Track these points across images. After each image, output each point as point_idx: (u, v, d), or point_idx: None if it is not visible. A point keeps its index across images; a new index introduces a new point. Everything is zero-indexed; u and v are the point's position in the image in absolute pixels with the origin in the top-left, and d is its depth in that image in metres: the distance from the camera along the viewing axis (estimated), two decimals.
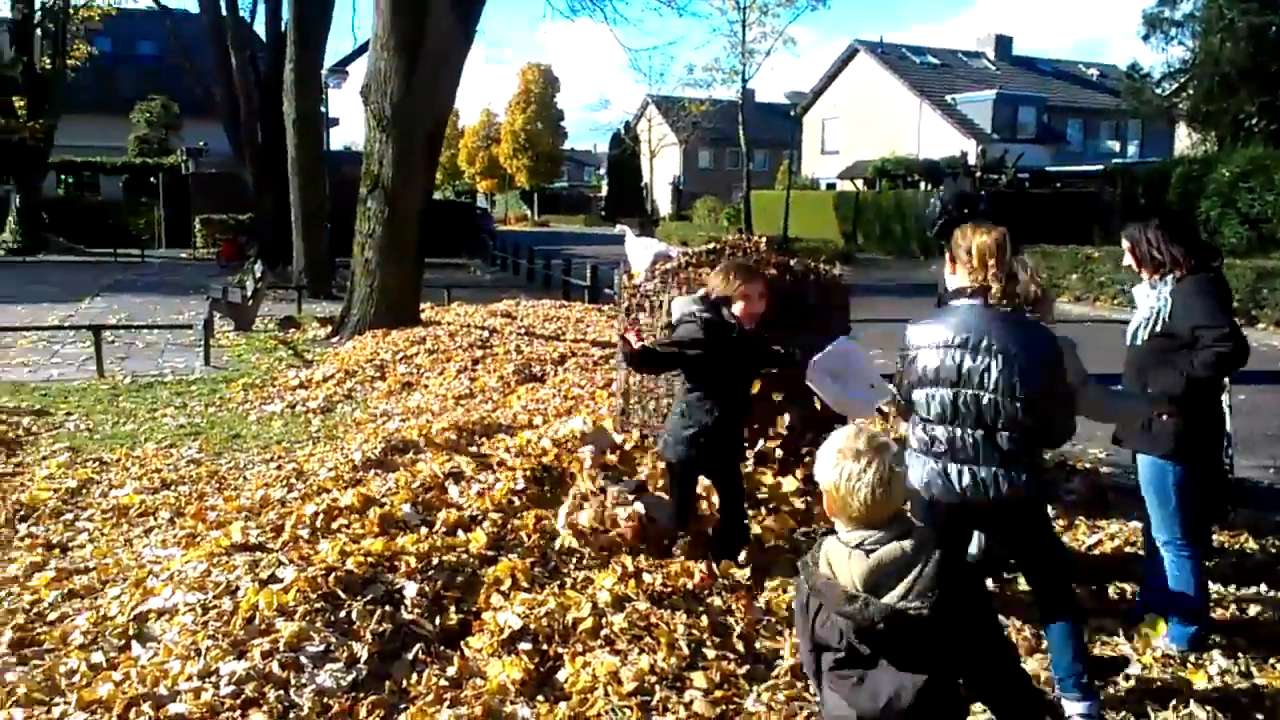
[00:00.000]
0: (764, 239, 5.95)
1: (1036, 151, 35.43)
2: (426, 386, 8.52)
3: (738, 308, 4.05)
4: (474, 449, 6.03)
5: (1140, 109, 24.96)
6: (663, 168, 56.42)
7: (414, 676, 3.33)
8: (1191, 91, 21.48)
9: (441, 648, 3.50)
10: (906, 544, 2.10)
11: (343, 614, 3.52)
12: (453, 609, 3.69)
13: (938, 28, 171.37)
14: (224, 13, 19.80)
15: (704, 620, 3.69)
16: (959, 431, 3.08)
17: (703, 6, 33.01)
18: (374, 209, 10.25)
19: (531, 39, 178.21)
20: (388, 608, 3.58)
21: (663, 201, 56.86)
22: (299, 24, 15.57)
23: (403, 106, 9.96)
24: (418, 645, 3.47)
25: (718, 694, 3.29)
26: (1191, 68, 21.18)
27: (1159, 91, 23.18)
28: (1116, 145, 43.80)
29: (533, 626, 3.57)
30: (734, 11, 31.54)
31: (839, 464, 2.14)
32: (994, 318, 3.11)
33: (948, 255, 3.53)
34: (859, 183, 36.40)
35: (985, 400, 3.03)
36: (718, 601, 3.90)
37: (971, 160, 29.58)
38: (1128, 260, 3.96)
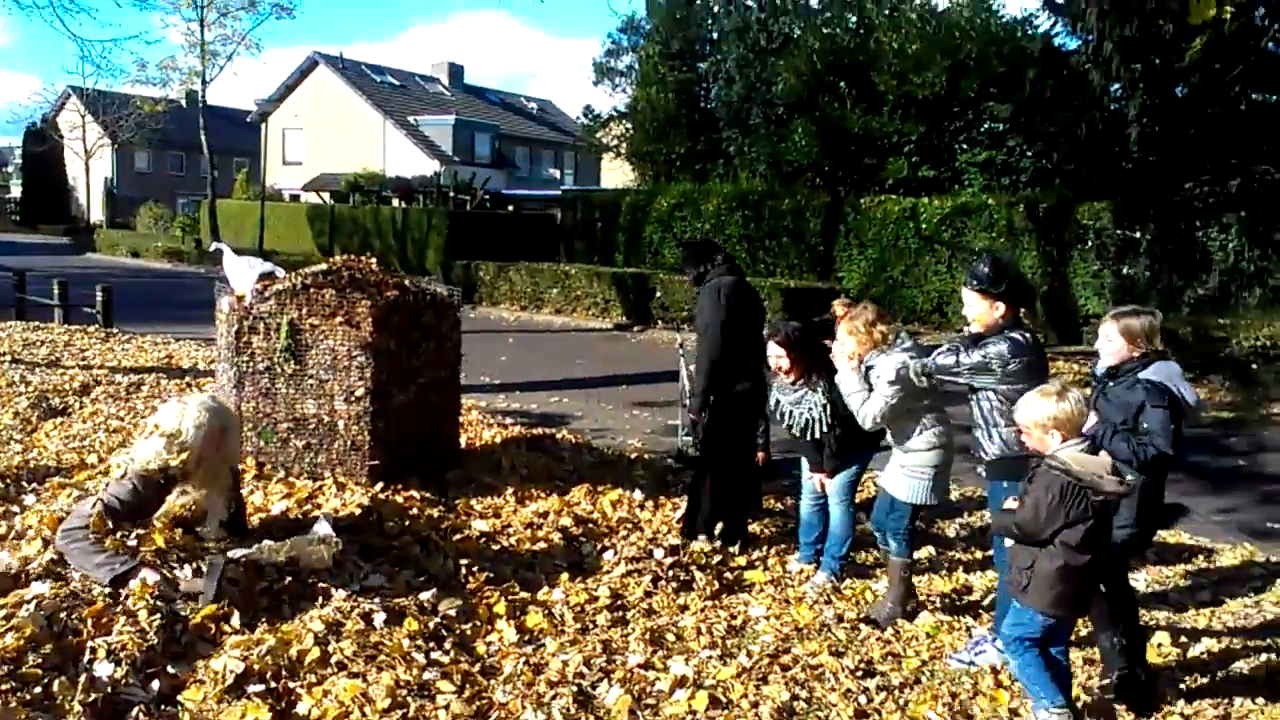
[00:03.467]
0: (374, 260, 6.02)
1: (492, 175, 38.13)
2: None
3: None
4: (31, 499, 5.24)
5: (593, 146, 28.31)
6: (96, 168, 49.75)
7: None
8: (633, 132, 25.03)
9: (162, 707, 3.19)
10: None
11: (39, 690, 3.04)
12: (160, 668, 3.35)
13: (380, 46, 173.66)
14: None
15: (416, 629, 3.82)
16: None
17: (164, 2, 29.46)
18: None
19: None
20: (85, 678, 3.16)
21: (94, 206, 50.15)
22: None
23: None
24: (135, 709, 3.13)
25: (467, 692, 3.49)
26: (633, 113, 24.71)
27: (604, 132, 26.66)
28: (557, 173, 48.78)
29: (256, 667, 3.41)
30: (189, 7, 29.09)
31: (1061, 400, 3.28)
32: None
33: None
34: (326, 195, 35.86)
35: None
36: (423, 616, 4.03)
37: (444, 181, 30.88)
38: (783, 364, 4.82)
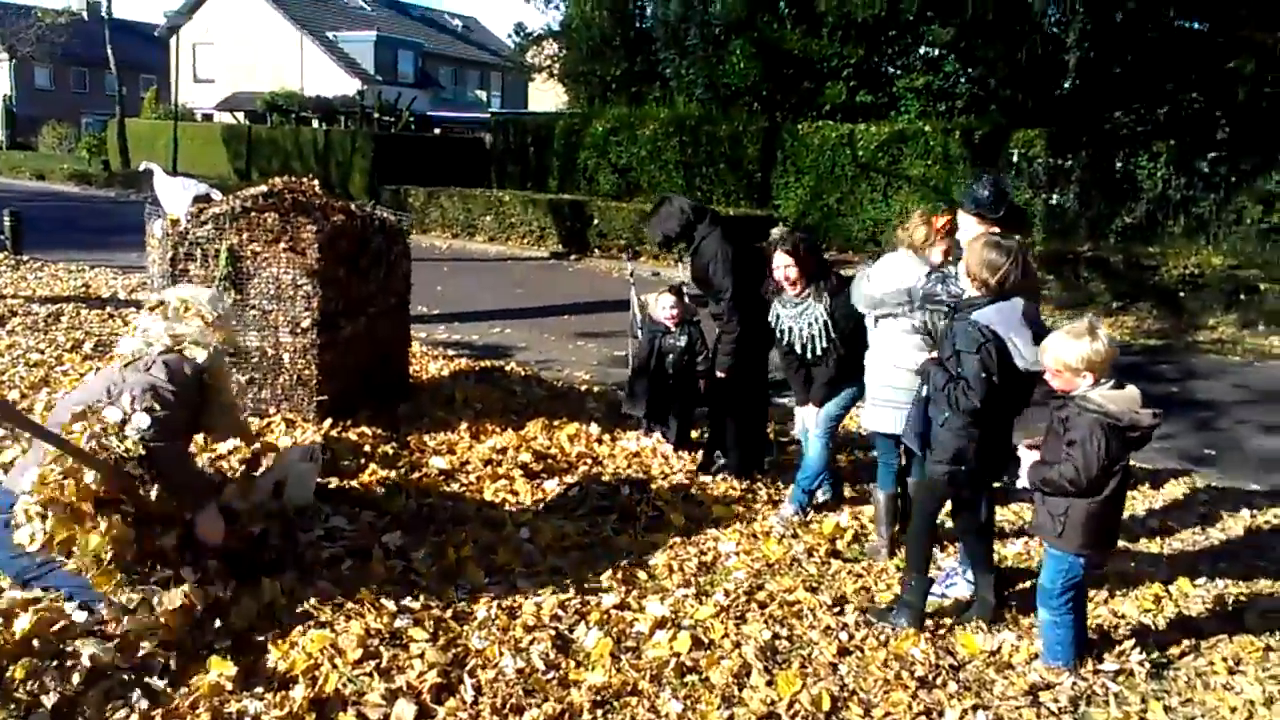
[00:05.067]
0: (315, 181, 5.68)
1: (416, 96, 36.85)
2: None
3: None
4: None
5: (525, 66, 27.46)
6: None
7: (108, 707, 2.83)
8: (567, 53, 24.29)
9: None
10: None
11: None
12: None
13: None
14: None
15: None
16: None
17: None
18: None
19: None
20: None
21: None
22: None
23: None
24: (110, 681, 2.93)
25: (441, 639, 3.36)
26: (566, 32, 23.93)
27: (536, 52, 25.83)
28: (483, 94, 47.37)
29: (222, 621, 3.24)
30: None
31: (1094, 340, 3.11)
32: None
33: None
34: (240, 115, 34.34)
35: None
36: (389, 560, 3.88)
37: (368, 102, 29.72)
38: (791, 274, 4.60)
